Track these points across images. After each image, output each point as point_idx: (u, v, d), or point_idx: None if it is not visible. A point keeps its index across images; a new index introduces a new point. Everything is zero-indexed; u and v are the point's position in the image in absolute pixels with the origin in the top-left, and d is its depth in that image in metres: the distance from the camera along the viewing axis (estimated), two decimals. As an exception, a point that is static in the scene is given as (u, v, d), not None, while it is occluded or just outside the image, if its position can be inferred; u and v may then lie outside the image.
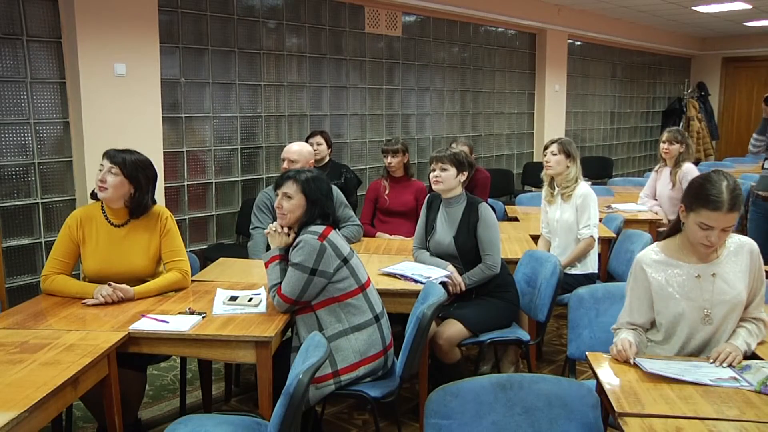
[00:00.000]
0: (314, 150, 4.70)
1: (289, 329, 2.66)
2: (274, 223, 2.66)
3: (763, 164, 4.15)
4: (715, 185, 2.03)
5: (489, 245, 3.09)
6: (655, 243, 2.29)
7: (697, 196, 2.05)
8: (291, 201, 2.56)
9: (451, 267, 3.12)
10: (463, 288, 3.05)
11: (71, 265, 2.79)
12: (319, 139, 4.65)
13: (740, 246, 2.17)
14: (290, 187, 2.57)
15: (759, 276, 2.18)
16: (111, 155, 2.71)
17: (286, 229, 2.61)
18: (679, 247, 2.19)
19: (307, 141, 4.78)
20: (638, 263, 2.22)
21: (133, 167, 2.71)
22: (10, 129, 3.84)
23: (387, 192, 4.36)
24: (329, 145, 4.74)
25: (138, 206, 2.76)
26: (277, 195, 2.62)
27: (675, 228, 2.23)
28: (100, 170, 2.71)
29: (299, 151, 3.65)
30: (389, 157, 4.31)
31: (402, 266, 3.17)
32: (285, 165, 3.59)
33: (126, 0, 4.06)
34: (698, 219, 2.04)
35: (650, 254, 2.22)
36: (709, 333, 2.15)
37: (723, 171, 2.13)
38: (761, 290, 2.19)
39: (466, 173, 3.18)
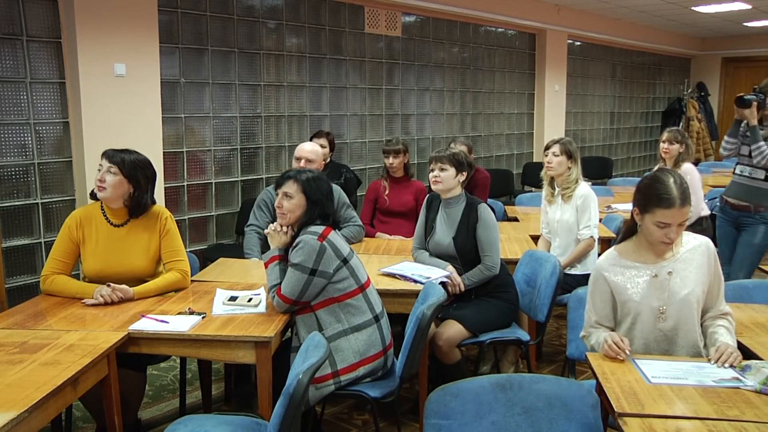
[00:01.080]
0: None
1: (289, 329, 2.67)
2: (274, 223, 2.66)
3: (734, 169, 4.11)
4: (663, 184, 2.10)
5: (488, 246, 3.09)
6: (612, 247, 2.32)
7: (649, 197, 2.12)
8: (291, 201, 2.57)
9: (450, 267, 3.12)
10: (462, 288, 3.06)
11: (71, 265, 2.79)
12: (323, 141, 4.67)
13: (696, 245, 2.21)
14: (291, 187, 2.57)
15: (716, 272, 2.23)
16: (110, 155, 2.72)
17: (285, 228, 2.61)
18: (636, 249, 2.24)
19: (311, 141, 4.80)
20: (597, 270, 2.27)
21: (131, 167, 2.71)
22: (10, 129, 3.84)
23: (387, 192, 4.36)
24: (331, 148, 4.76)
25: (137, 206, 2.77)
26: (277, 194, 2.62)
27: (630, 230, 2.28)
28: (99, 170, 2.71)
29: (315, 151, 3.67)
30: (390, 158, 4.31)
31: (402, 266, 3.18)
32: (302, 164, 3.57)
33: (126, 0, 4.07)
34: (654, 219, 2.10)
35: (608, 259, 2.27)
36: (666, 330, 2.18)
37: (667, 168, 2.27)
38: (721, 285, 2.24)
39: (465, 173, 3.18)
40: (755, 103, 3.76)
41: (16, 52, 3.81)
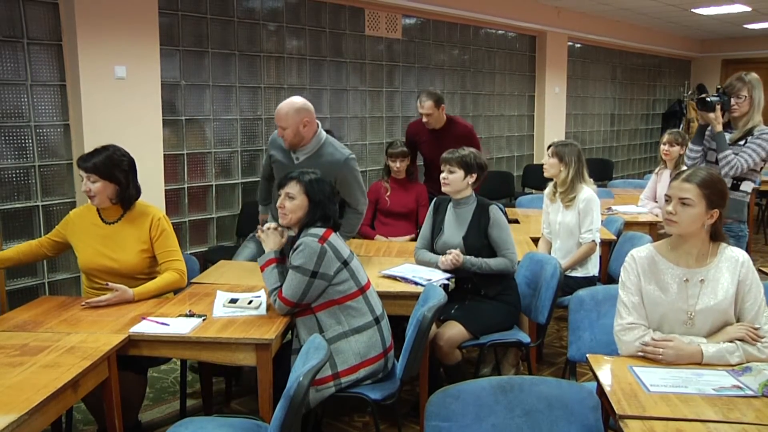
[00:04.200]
0: None
1: (290, 331, 2.67)
2: (266, 225, 2.67)
3: None
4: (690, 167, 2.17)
5: (506, 244, 3.11)
6: (650, 243, 2.31)
7: None
8: (294, 201, 2.58)
9: (444, 256, 3.10)
10: (460, 260, 3.04)
11: (45, 245, 2.91)
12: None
13: (733, 257, 2.18)
14: (293, 188, 2.59)
15: (751, 289, 2.15)
16: (82, 164, 2.74)
17: (280, 229, 2.62)
18: (673, 249, 2.21)
19: None
20: (630, 261, 2.24)
21: (105, 168, 2.72)
22: (11, 132, 3.85)
23: (389, 193, 4.37)
24: None
25: (125, 199, 2.80)
26: (279, 195, 2.63)
27: None
28: (82, 180, 2.75)
29: (285, 116, 3.33)
30: (398, 162, 4.33)
31: (402, 269, 3.18)
32: (279, 132, 3.41)
33: (126, 2, 4.07)
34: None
35: (643, 252, 2.24)
36: (693, 337, 2.14)
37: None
38: (758, 304, 2.15)
39: (475, 175, 3.17)
40: (718, 106, 3.41)
41: (17, 54, 3.81)
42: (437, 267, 3.14)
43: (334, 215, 2.63)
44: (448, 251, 3.09)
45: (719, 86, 3.57)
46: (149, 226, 2.81)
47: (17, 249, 2.90)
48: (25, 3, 3.80)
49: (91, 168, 2.71)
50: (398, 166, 4.33)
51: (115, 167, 2.74)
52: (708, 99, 3.45)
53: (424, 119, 4.58)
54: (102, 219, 2.84)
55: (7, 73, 3.79)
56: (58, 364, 2.07)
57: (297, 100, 3.40)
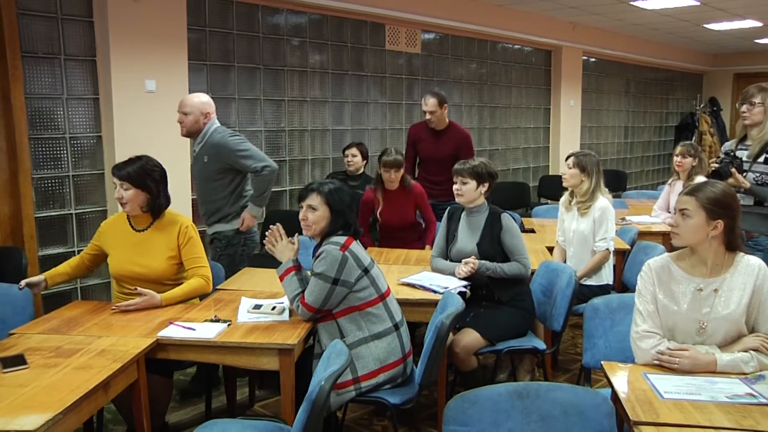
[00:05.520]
0: (349, 161, 4.80)
1: (312, 337, 2.71)
2: (274, 231, 2.71)
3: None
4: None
5: (518, 250, 3.15)
6: (667, 252, 2.32)
7: None
8: (316, 213, 2.62)
9: (461, 264, 3.14)
10: (475, 266, 3.08)
11: (85, 259, 3.01)
12: (354, 150, 4.77)
13: (748, 265, 2.17)
14: (314, 199, 2.63)
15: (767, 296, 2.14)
16: (116, 172, 2.84)
17: (289, 239, 2.69)
18: (686, 259, 2.22)
19: (344, 152, 4.89)
20: (647, 268, 2.25)
21: (138, 176, 2.82)
22: (48, 143, 4.00)
23: (380, 209, 4.14)
24: (364, 157, 4.84)
25: (155, 207, 2.89)
26: (301, 207, 2.68)
27: None
28: (115, 187, 2.85)
29: (187, 103, 3.54)
30: (392, 173, 4.05)
31: (420, 276, 3.23)
32: (179, 118, 3.55)
33: (157, 19, 4.21)
34: None
35: (659, 261, 2.25)
36: (706, 346, 2.14)
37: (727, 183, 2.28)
38: None
39: (487, 184, 3.23)
40: (732, 169, 3.39)
41: (54, 70, 3.97)
42: (453, 275, 3.18)
43: (354, 223, 2.68)
44: (464, 261, 3.14)
45: (719, 155, 3.51)
46: (177, 233, 2.89)
47: (68, 264, 3.00)
48: (63, 21, 3.96)
49: (124, 176, 2.81)
50: (392, 177, 4.06)
51: (147, 176, 2.84)
52: (719, 170, 3.38)
53: (428, 116, 4.63)
54: (132, 227, 2.92)
55: (46, 87, 3.95)
56: (90, 366, 2.13)
57: (204, 95, 3.65)
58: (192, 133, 3.59)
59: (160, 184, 2.89)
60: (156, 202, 2.88)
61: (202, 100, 3.58)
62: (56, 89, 3.99)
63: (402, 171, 4.13)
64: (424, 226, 4.33)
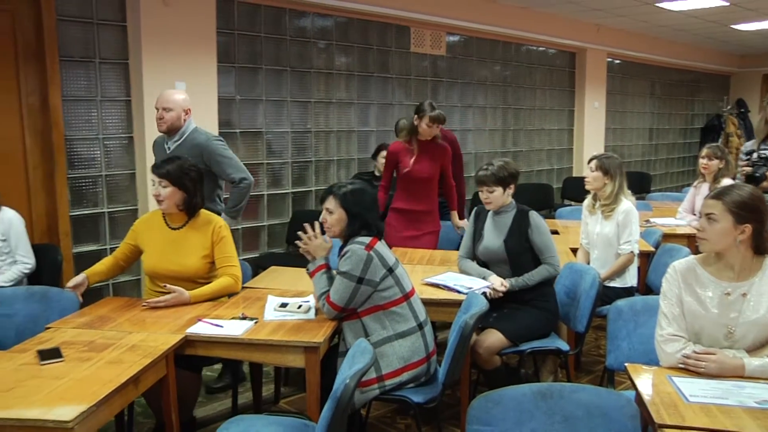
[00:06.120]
0: (383, 163, 4.81)
1: (337, 335, 2.74)
2: (308, 228, 2.74)
3: None
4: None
5: (547, 249, 3.15)
6: (693, 255, 2.30)
7: None
8: (332, 215, 2.66)
9: (493, 277, 3.17)
10: (502, 292, 3.08)
11: (120, 258, 3.05)
12: (386, 153, 4.77)
13: None
14: (330, 202, 2.67)
15: None
16: (156, 170, 2.91)
17: (326, 236, 2.72)
18: (716, 262, 2.19)
19: (375, 156, 4.91)
20: (673, 271, 2.23)
21: (176, 175, 2.89)
22: (82, 144, 4.11)
23: (414, 158, 4.14)
24: None
25: (191, 207, 2.95)
26: (322, 209, 2.73)
27: None
28: (153, 185, 2.91)
29: (168, 99, 3.49)
30: (434, 128, 4.11)
31: (445, 277, 3.24)
32: (159, 114, 3.47)
33: (187, 23, 4.29)
34: None
35: (685, 264, 2.23)
36: (735, 351, 2.11)
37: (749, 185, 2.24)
38: None
39: (513, 186, 3.24)
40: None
41: (89, 73, 4.08)
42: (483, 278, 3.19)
43: (375, 223, 2.68)
44: (495, 285, 3.09)
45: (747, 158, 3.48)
46: (211, 232, 2.95)
47: (104, 263, 3.06)
48: (98, 26, 4.07)
49: (164, 174, 2.88)
50: (435, 131, 4.13)
51: (184, 176, 2.90)
52: (754, 174, 3.40)
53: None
54: (167, 224, 2.99)
55: (81, 90, 4.06)
56: (121, 361, 2.17)
57: (183, 93, 3.61)
58: (172, 129, 3.52)
59: (197, 184, 2.96)
60: (192, 201, 2.94)
61: (183, 97, 3.56)
62: (91, 92, 4.10)
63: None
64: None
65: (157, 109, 3.49)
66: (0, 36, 3.80)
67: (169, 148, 3.55)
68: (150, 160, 4.16)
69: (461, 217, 4.46)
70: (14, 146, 3.91)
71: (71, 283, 2.88)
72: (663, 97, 9.78)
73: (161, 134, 3.59)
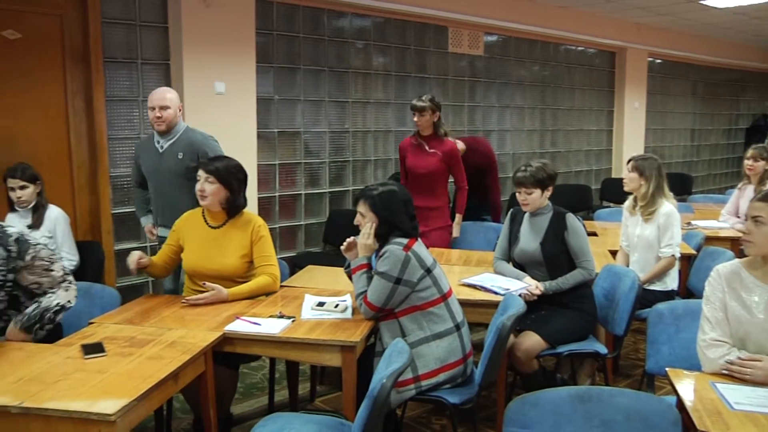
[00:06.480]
0: None
1: (373, 335, 2.75)
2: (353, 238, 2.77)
3: None
4: None
5: (582, 252, 3.12)
6: (737, 258, 2.25)
7: None
8: (365, 219, 2.68)
9: (528, 279, 3.15)
10: (537, 294, 3.06)
11: (164, 259, 3.07)
12: None
13: None
14: (362, 206, 2.68)
15: None
16: (204, 166, 2.95)
17: (372, 238, 2.73)
18: (759, 267, 2.15)
19: None
20: (716, 274, 2.19)
21: (225, 173, 2.92)
22: (124, 143, 4.20)
23: (413, 154, 4.23)
24: None
25: (233, 207, 2.98)
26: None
27: None
28: (198, 180, 2.94)
29: (163, 97, 3.43)
30: (416, 116, 4.16)
31: (482, 278, 3.23)
32: (156, 113, 3.40)
33: (227, 24, 4.36)
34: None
35: (729, 267, 2.18)
36: None
37: None
38: None
39: (550, 188, 3.21)
40: None
41: (132, 73, 4.17)
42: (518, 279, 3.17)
43: (406, 225, 2.66)
44: (529, 288, 3.07)
45: None
46: (251, 231, 2.97)
47: (156, 263, 3.06)
48: (141, 28, 4.16)
49: (212, 170, 2.91)
50: (417, 120, 4.19)
51: (231, 175, 2.94)
52: None
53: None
54: (207, 223, 3.02)
55: (123, 90, 4.15)
56: (161, 357, 2.21)
57: (172, 90, 3.57)
58: (170, 127, 3.46)
59: (242, 185, 3.00)
60: (235, 201, 2.97)
61: (176, 95, 3.51)
62: (133, 92, 4.19)
63: (428, 116, 4.17)
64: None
65: (153, 108, 3.41)
66: (49, 40, 3.91)
67: (161, 147, 3.49)
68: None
69: (497, 220, 4.47)
70: (60, 146, 4.02)
71: (137, 255, 2.93)
72: (706, 97, 9.55)
73: (146, 135, 3.57)
